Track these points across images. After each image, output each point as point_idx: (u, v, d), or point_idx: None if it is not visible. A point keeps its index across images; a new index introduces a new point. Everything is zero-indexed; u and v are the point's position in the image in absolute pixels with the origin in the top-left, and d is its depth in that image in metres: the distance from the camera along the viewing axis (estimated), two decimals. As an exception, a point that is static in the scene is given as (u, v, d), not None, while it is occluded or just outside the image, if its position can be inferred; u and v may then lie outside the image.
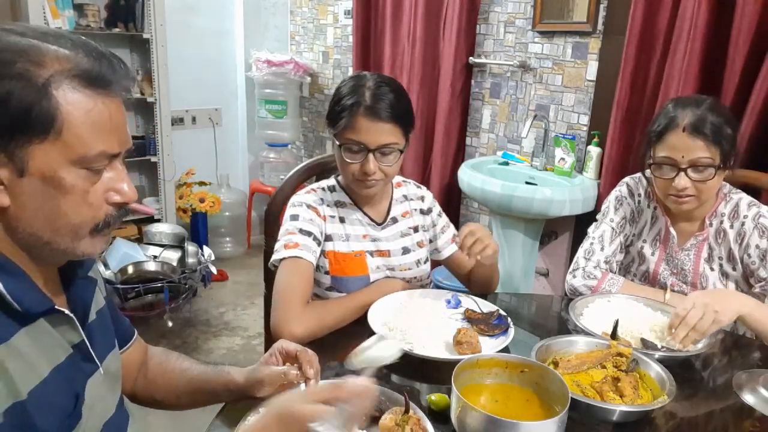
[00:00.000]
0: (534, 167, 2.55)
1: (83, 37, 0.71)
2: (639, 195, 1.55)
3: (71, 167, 0.67)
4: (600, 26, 2.30)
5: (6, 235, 0.69)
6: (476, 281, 1.48)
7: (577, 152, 2.42)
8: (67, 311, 0.75)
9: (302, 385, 0.92)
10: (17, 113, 0.63)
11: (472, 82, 2.83)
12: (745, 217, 1.40)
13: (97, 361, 0.81)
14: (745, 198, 1.43)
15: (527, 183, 2.44)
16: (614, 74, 2.18)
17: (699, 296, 1.23)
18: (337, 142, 1.30)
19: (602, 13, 2.29)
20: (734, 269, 1.44)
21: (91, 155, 0.68)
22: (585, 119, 2.42)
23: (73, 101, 0.66)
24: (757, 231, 1.38)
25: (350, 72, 3.37)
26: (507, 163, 2.62)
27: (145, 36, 3.03)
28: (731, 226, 1.42)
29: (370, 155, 1.27)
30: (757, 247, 1.38)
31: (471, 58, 2.73)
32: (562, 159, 2.42)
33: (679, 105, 1.38)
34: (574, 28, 2.38)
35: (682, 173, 1.35)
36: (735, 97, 1.83)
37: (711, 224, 1.45)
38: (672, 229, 1.48)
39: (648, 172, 1.45)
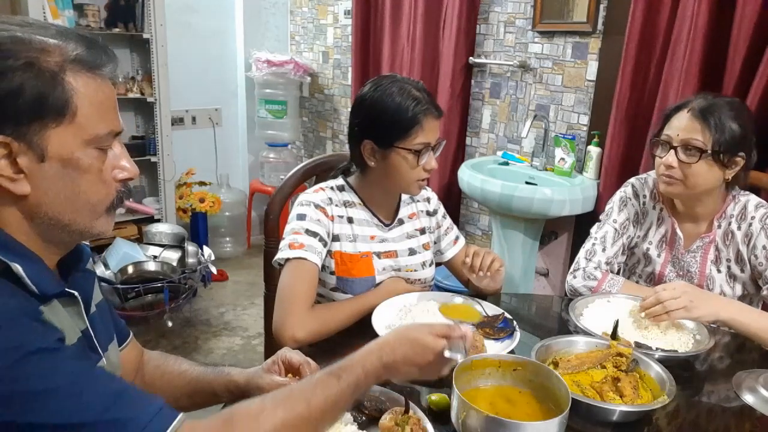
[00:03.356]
0: (534, 167, 2.55)
1: (64, 25, 0.72)
2: (644, 196, 1.55)
3: (85, 148, 0.70)
4: (600, 26, 2.30)
5: (24, 222, 0.71)
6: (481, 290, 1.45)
7: (577, 152, 2.42)
8: (76, 293, 0.77)
9: None
10: (32, 102, 0.66)
11: (472, 82, 2.83)
12: (753, 218, 1.40)
13: (100, 351, 0.82)
14: (753, 199, 1.43)
15: (527, 183, 2.44)
16: (614, 74, 2.18)
17: (684, 285, 1.27)
18: (406, 149, 1.27)
19: (602, 13, 2.29)
20: (742, 271, 1.43)
21: (102, 134, 0.72)
22: (585, 119, 2.43)
23: (80, 84, 0.69)
24: (764, 232, 1.38)
25: (350, 72, 3.37)
26: (507, 163, 2.62)
27: (145, 36, 3.03)
28: (739, 228, 1.42)
29: (431, 152, 1.31)
30: (764, 248, 1.37)
31: (471, 58, 2.73)
32: (562, 159, 2.42)
33: (700, 94, 1.41)
34: (574, 28, 2.38)
35: (672, 151, 1.37)
36: (734, 97, 1.83)
37: (720, 226, 1.44)
38: (679, 231, 1.48)
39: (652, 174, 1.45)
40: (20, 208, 0.70)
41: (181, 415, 0.68)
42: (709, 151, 1.33)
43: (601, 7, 2.28)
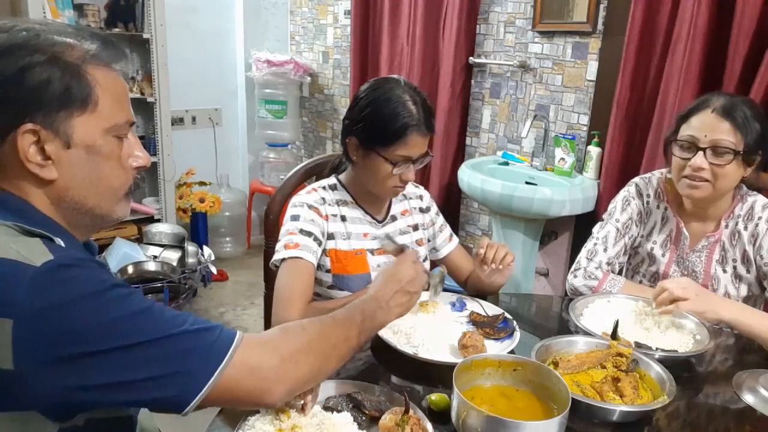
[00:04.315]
0: (534, 167, 2.55)
1: (75, 24, 0.75)
2: (648, 195, 1.54)
3: (106, 136, 0.77)
4: (600, 26, 2.30)
5: (51, 208, 0.77)
6: (481, 288, 1.44)
7: (577, 152, 2.42)
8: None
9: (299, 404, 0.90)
10: (59, 93, 0.72)
11: (472, 82, 2.83)
12: (759, 218, 1.39)
13: None
14: (761, 199, 1.42)
15: (527, 183, 2.44)
16: (614, 74, 2.18)
17: (688, 281, 1.28)
18: (385, 158, 1.27)
19: (602, 13, 2.28)
20: (748, 271, 1.43)
21: (121, 123, 0.78)
22: (585, 119, 2.42)
23: (100, 77, 0.75)
24: None
25: (350, 72, 3.37)
26: (507, 163, 2.62)
27: (145, 36, 3.03)
28: (745, 228, 1.41)
29: (412, 165, 1.29)
30: None
31: (471, 58, 2.73)
32: (562, 159, 2.42)
33: (714, 93, 1.38)
34: (574, 28, 2.38)
35: (701, 153, 1.33)
36: (735, 97, 1.84)
37: (727, 226, 1.44)
38: (684, 230, 1.47)
39: (665, 172, 1.44)
40: (47, 193, 0.75)
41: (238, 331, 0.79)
42: (741, 152, 1.31)
43: (601, 7, 2.28)
